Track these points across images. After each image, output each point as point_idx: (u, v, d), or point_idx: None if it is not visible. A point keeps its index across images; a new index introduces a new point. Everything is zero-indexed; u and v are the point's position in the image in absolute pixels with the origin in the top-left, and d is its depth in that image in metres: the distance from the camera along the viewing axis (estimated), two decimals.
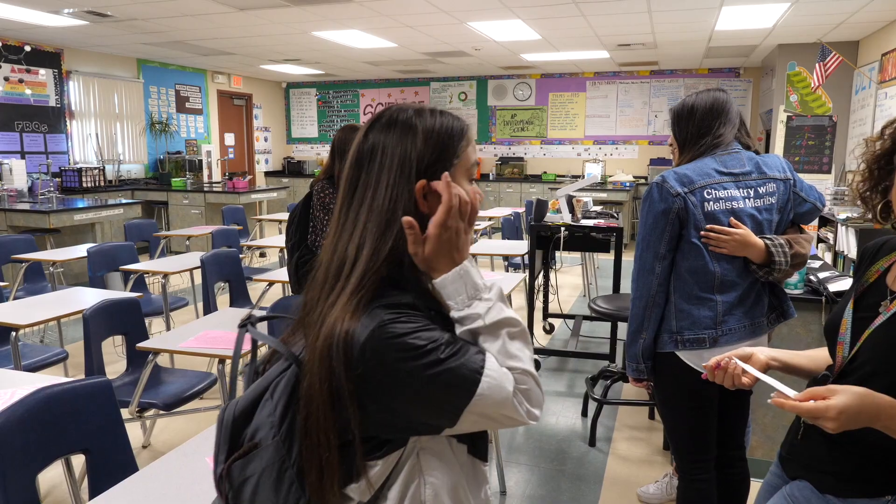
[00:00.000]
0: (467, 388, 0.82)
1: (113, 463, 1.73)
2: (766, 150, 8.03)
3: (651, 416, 3.48)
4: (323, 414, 0.80)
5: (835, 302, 2.63)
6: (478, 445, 0.94)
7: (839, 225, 4.96)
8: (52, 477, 2.72)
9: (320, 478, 0.81)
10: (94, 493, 1.65)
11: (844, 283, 2.75)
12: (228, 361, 2.52)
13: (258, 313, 1.00)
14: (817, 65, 5.93)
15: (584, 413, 3.51)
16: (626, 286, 6.25)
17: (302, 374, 0.83)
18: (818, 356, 1.34)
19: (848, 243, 4.80)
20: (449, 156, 0.90)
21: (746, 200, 1.87)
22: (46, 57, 7.62)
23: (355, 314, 0.81)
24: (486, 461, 0.96)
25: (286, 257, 2.90)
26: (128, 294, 3.25)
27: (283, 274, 4.02)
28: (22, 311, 2.95)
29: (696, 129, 1.92)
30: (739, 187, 1.87)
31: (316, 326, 0.84)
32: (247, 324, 0.91)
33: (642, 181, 9.49)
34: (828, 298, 2.66)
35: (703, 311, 1.86)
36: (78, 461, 1.80)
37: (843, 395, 1.00)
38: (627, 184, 9.05)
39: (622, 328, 4.08)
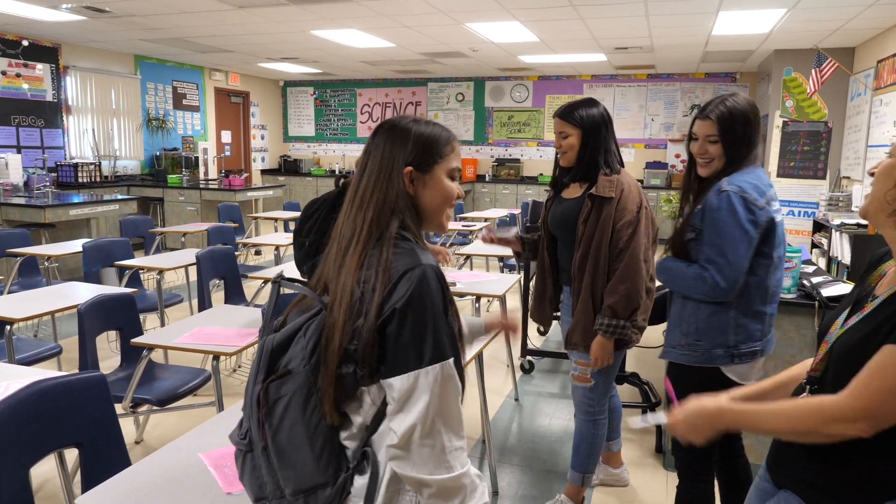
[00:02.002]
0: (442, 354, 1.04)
1: (106, 457, 1.73)
2: (762, 155, 8.06)
3: None
4: (339, 340, 1.02)
5: (828, 307, 2.65)
6: (462, 396, 1.13)
7: (833, 230, 4.99)
8: (44, 471, 2.72)
9: (329, 396, 1.03)
10: (86, 487, 1.65)
11: (837, 288, 2.77)
12: (223, 358, 2.52)
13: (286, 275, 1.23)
14: (813, 71, 5.96)
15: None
16: None
17: (328, 314, 1.05)
18: (785, 378, 1.37)
19: (842, 249, 4.82)
20: (433, 154, 1.15)
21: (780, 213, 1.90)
22: (44, 52, 7.59)
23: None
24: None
25: (295, 253, 2.89)
26: (123, 289, 3.25)
27: (277, 271, 4.01)
28: (16, 305, 2.95)
29: (751, 136, 1.86)
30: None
31: (337, 276, 1.07)
32: (280, 280, 1.15)
33: (638, 184, 9.51)
34: (821, 303, 2.68)
35: (756, 324, 1.87)
36: (71, 455, 1.81)
37: (685, 408, 1.24)
38: None
39: None
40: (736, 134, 1.84)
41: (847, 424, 1.06)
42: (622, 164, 2.29)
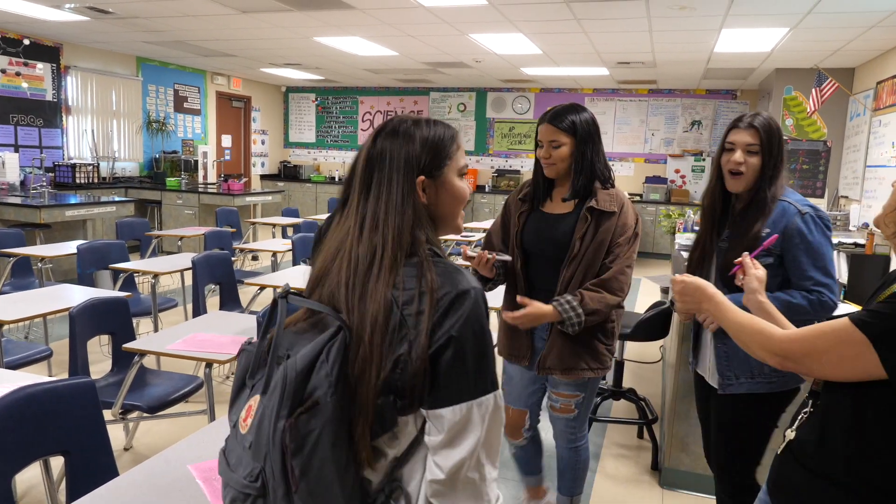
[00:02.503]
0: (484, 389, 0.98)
1: (93, 466, 1.69)
2: None
3: (640, 435, 3.46)
4: (377, 372, 0.93)
5: None
6: None
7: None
8: (28, 478, 2.67)
9: (361, 429, 0.93)
10: (72, 497, 1.61)
11: (839, 310, 2.75)
12: (216, 365, 2.49)
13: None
14: (813, 90, 5.98)
15: None
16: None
17: (352, 339, 0.95)
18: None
19: (840, 268, 4.81)
20: (442, 157, 1.09)
21: None
22: (45, 51, 7.58)
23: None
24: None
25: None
26: (116, 293, 3.21)
27: (275, 278, 3.99)
28: (7, 306, 2.91)
29: (783, 153, 1.86)
30: None
31: (359, 302, 0.97)
32: (286, 294, 1.01)
33: (637, 198, 9.53)
34: (819, 321, 2.66)
35: None
36: (56, 462, 1.77)
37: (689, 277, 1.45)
38: None
39: None
40: (774, 145, 1.83)
41: (768, 354, 1.21)
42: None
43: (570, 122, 2.02)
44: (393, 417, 0.96)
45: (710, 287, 1.40)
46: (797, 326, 1.88)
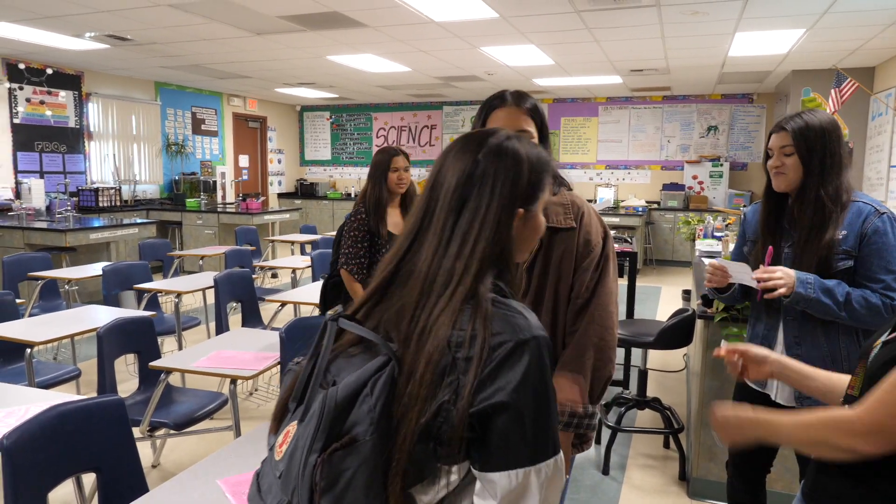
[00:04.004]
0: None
1: (123, 482, 1.71)
2: None
3: (666, 445, 3.41)
4: (418, 415, 0.83)
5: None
6: None
7: None
8: (61, 495, 2.70)
9: (395, 474, 0.84)
10: None
11: None
12: (240, 382, 2.51)
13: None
14: (833, 91, 5.91)
15: (598, 440, 3.45)
16: (640, 311, 6.19)
17: (401, 373, 0.86)
18: (836, 379, 1.33)
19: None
20: (538, 188, 0.98)
21: None
22: (67, 79, 7.77)
23: None
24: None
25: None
26: (141, 313, 3.26)
27: (294, 295, 4.02)
28: (37, 328, 2.96)
29: (830, 148, 1.83)
30: None
31: (419, 336, 0.87)
32: (338, 317, 0.93)
33: (655, 206, 9.46)
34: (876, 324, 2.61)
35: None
36: (88, 479, 1.79)
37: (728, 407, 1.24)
38: (640, 209, 9.02)
39: (636, 354, 4.04)
40: (811, 144, 1.80)
41: (857, 438, 1.02)
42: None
43: (532, 103, 1.64)
44: (432, 465, 0.86)
45: (751, 413, 1.23)
46: (827, 337, 1.87)
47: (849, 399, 1.22)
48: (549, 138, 1.64)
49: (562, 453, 0.89)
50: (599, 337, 1.48)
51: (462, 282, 0.89)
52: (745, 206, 8.13)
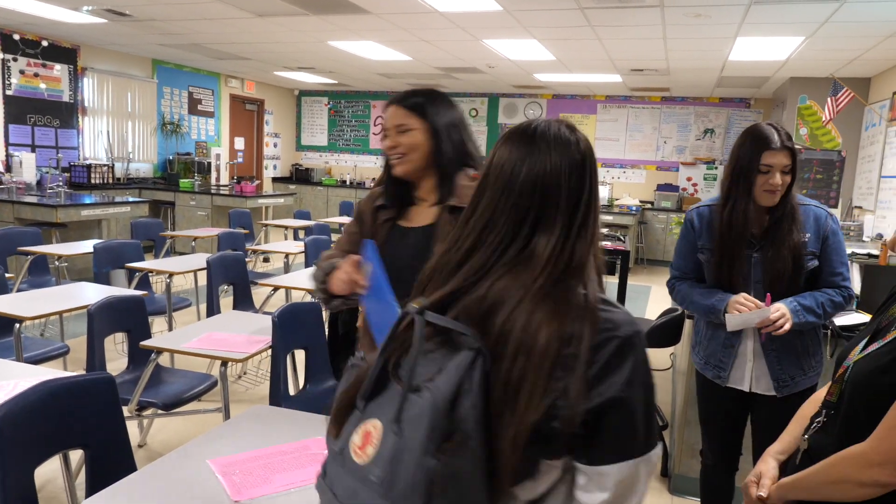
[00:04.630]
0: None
1: (111, 460, 1.71)
2: None
3: None
4: (531, 413, 0.82)
5: (840, 336, 2.62)
6: None
7: None
8: (46, 472, 2.70)
9: (506, 474, 0.82)
10: (91, 490, 1.63)
11: (850, 318, 2.74)
12: (231, 364, 2.51)
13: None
14: (829, 99, 5.95)
15: None
16: (632, 309, 6.21)
17: (498, 369, 0.84)
18: (804, 417, 1.38)
19: (853, 279, 4.78)
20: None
21: None
22: (63, 53, 7.68)
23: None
24: None
25: None
26: (132, 291, 3.25)
27: (287, 280, 4.02)
28: (26, 304, 2.95)
29: None
30: None
31: (520, 329, 0.85)
32: (423, 310, 0.87)
33: (648, 206, 9.50)
34: (833, 332, 2.65)
35: None
36: (74, 456, 1.79)
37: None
38: (634, 208, 9.06)
39: None
40: (797, 161, 1.93)
41: (875, 469, 1.03)
42: None
43: (415, 102, 1.61)
44: (536, 462, 0.85)
45: (777, 485, 1.28)
46: (803, 336, 1.99)
47: (827, 405, 1.24)
48: (455, 131, 1.63)
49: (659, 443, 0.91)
50: None
51: (573, 277, 0.89)
52: None
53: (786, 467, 1.33)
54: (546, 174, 0.91)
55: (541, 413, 0.82)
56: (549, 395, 0.83)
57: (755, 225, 1.97)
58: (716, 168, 9.32)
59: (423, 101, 1.61)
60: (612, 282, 6.47)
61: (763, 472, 1.33)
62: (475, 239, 0.92)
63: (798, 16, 4.73)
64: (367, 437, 0.84)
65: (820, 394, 1.41)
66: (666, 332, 3.11)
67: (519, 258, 0.90)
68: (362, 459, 0.83)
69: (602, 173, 10.12)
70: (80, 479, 1.75)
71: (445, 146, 1.60)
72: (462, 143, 1.64)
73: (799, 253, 1.92)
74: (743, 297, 1.92)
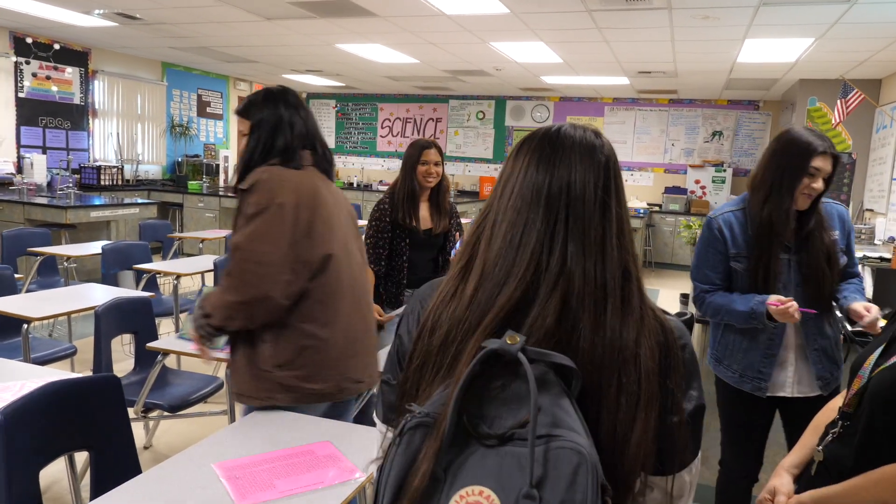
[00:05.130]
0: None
1: (117, 462, 1.71)
2: None
3: None
4: (651, 423, 0.77)
5: (853, 340, 2.59)
6: None
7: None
8: (52, 473, 2.71)
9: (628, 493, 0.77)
10: (95, 492, 1.64)
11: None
12: None
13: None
14: (839, 101, 5.91)
15: None
16: None
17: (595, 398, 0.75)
18: (818, 428, 1.36)
19: (865, 282, 4.73)
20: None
21: None
22: (74, 55, 7.74)
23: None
24: None
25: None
26: (140, 293, 3.26)
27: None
28: (34, 304, 2.96)
29: None
30: None
31: (605, 345, 0.77)
32: (524, 347, 0.71)
33: (656, 208, 9.46)
34: (846, 337, 2.62)
35: None
36: (80, 458, 1.79)
37: None
38: (641, 210, 9.02)
39: None
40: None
41: None
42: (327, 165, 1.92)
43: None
44: (643, 485, 0.79)
45: (804, 499, 1.25)
46: (830, 336, 2.02)
47: (844, 416, 1.22)
48: (269, 133, 1.82)
49: None
50: (225, 277, 1.69)
51: (630, 288, 0.82)
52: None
53: (800, 479, 1.31)
54: (574, 183, 0.84)
55: (655, 426, 0.77)
56: (654, 409, 0.78)
57: (789, 231, 1.96)
58: (724, 171, 9.27)
59: (247, 104, 1.87)
60: None
61: (778, 488, 1.30)
62: (512, 257, 0.82)
63: (808, 17, 4.70)
64: None
65: (834, 402, 1.39)
66: None
67: (561, 273, 0.80)
68: None
69: None
70: (86, 481, 1.76)
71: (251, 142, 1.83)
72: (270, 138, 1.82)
73: (833, 251, 1.97)
74: (776, 299, 1.90)
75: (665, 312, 0.87)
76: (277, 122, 1.81)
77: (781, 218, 1.91)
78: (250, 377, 1.75)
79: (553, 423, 0.67)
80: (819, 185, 1.88)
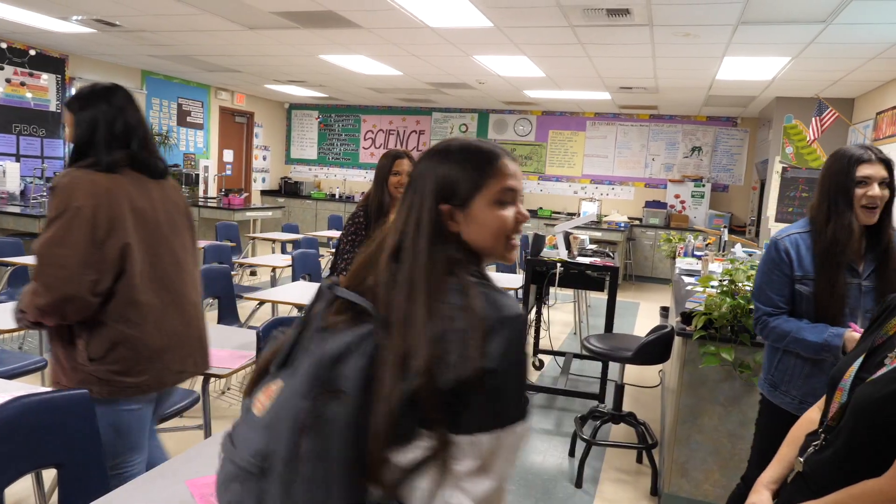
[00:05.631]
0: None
1: (86, 479, 1.65)
2: (761, 200, 8.11)
3: (639, 460, 3.41)
4: (404, 380, 0.90)
5: None
6: None
7: None
8: (18, 490, 2.62)
9: (379, 435, 0.89)
10: None
11: None
12: (213, 380, 2.45)
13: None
14: (814, 119, 6.02)
15: (572, 453, 3.45)
16: (620, 325, 6.23)
17: (390, 340, 0.93)
18: (795, 441, 1.35)
19: None
20: (470, 187, 1.03)
21: None
22: (51, 62, 7.62)
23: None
24: None
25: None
26: None
27: (273, 294, 3.96)
28: (4, 316, 2.87)
29: None
30: None
31: (409, 305, 0.95)
32: (333, 285, 1.01)
33: (637, 222, 9.55)
34: None
35: None
36: (48, 475, 1.73)
37: None
38: (622, 224, 9.09)
39: (613, 368, 4.05)
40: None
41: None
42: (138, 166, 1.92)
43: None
44: (412, 430, 0.91)
45: None
46: None
47: (828, 430, 1.21)
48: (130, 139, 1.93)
49: (528, 420, 0.97)
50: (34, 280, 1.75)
51: (416, 271, 0.97)
52: (725, 226, 8.24)
53: (780, 492, 1.31)
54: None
55: (416, 381, 0.89)
56: (427, 366, 0.90)
57: (854, 252, 1.91)
58: (703, 186, 9.40)
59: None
60: (601, 298, 6.47)
61: None
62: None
63: (784, 37, 4.79)
64: (267, 393, 0.95)
65: (810, 414, 1.39)
66: (655, 349, 3.09)
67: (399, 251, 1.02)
68: (259, 411, 0.94)
69: (591, 190, 10.17)
70: (53, 500, 1.69)
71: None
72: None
73: None
74: (858, 334, 1.80)
75: (490, 288, 0.98)
76: (95, 122, 1.86)
77: (845, 234, 1.87)
78: (67, 369, 1.83)
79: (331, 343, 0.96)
80: (875, 191, 1.83)
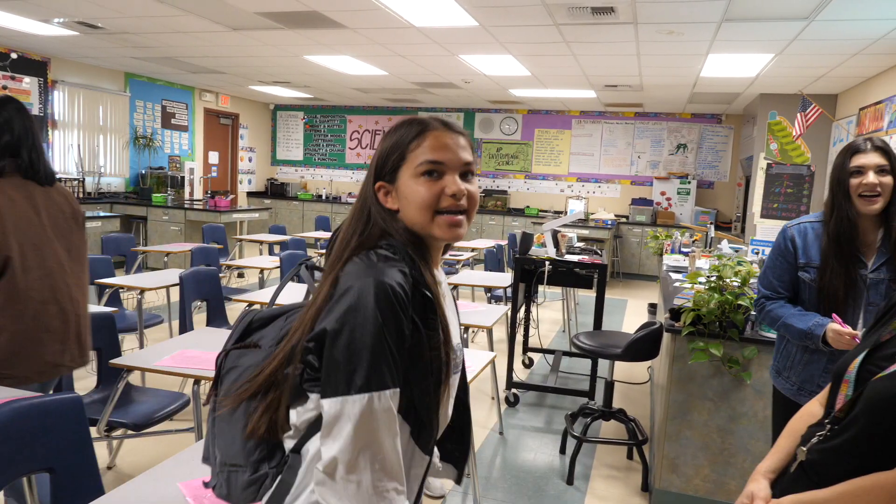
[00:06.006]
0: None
1: (78, 484, 1.64)
2: (746, 196, 8.20)
3: (630, 456, 3.44)
4: (291, 342, 1.00)
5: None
6: (421, 435, 1.02)
7: None
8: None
9: (272, 390, 1.01)
10: None
11: None
12: (203, 382, 2.44)
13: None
14: (798, 115, 6.09)
15: (563, 450, 3.47)
16: (608, 323, 6.26)
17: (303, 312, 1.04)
18: (794, 432, 1.36)
19: None
20: (397, 160, 1.04)
21: None
22: (33, 65, 7.53)
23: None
24: (426, 453, 1.05)
25: None
26: (103, 308, 3.16)
27: (262, 295, 3.95)
28: None
29: None
30: None
31: (324, 280, 1.05)
32: (309, 266, 1.21)
33: (623, 220, 9.61)
34: None
35: None
36: (40, 480, 1.71)
37: None
38: (609, 222, 9.15)
39: (603, 365, 4.08)
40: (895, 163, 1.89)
41: None
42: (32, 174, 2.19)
43: None
44: (300, 390, 0.99)
45: (791, 499, 1.22)
46: None
47: (835, 420, 1.22)
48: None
49: (388, 392, 0.92)
50: None
51: (351, 242, 1.04)
52: (711, 223, 8.32)
53: (777, 482, 1.32)
54: None
55: (295, 343, 0.99)
56: (308, 331, 0.98)
57: (864, 244, 1.92)
58: (689, 182, 9.47)
59: None
60: (590, 296, 6.50)
61: (755, 493, 1.31)
62: None
63: (767, 34, 4.85)
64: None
65: (810, 407, 1.40)
66: (645, 345, 3.11)
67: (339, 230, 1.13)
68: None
69: (577, 188, 10.22)
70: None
71: None
72: None
73: None
74: (839, 325, 1.81)
75: (369, 260, 1.00)
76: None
77: (846, 224, 1.89)
78: None
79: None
80: (870, 179, 1.84)
